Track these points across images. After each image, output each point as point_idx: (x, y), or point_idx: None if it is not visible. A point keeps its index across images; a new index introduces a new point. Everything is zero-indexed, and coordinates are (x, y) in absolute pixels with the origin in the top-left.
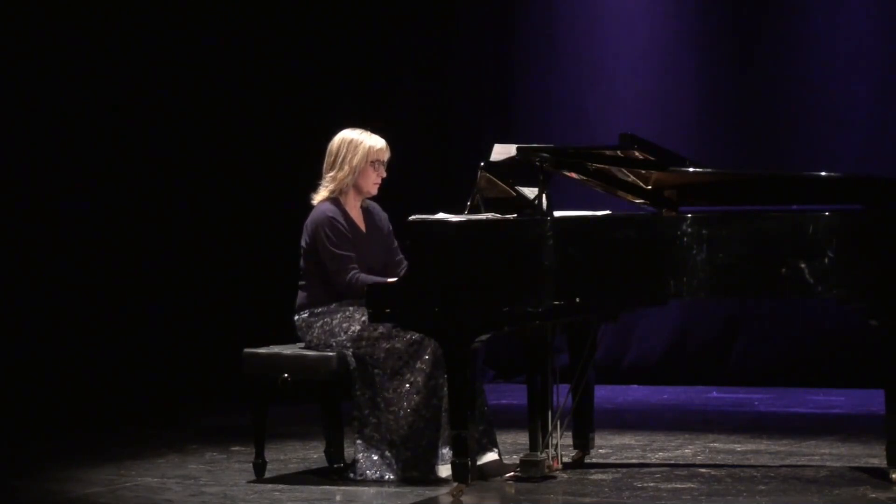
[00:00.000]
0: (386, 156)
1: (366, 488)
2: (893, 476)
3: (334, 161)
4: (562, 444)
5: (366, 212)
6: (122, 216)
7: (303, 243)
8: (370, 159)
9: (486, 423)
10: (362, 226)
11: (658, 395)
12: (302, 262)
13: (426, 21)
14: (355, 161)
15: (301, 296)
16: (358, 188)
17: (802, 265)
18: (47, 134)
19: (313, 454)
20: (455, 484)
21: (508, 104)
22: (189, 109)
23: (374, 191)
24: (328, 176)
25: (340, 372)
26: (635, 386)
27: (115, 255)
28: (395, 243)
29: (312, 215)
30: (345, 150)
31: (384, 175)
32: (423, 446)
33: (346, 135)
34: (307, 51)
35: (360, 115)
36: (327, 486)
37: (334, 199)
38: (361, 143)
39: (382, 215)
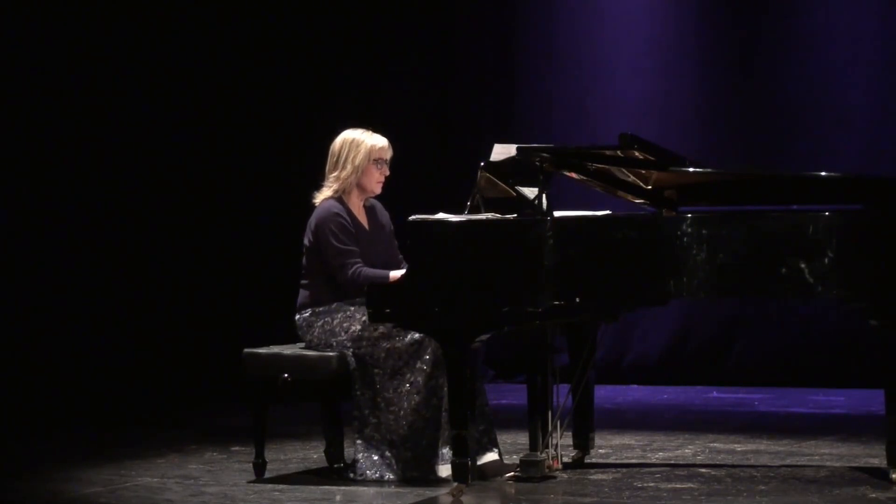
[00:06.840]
0: (388, 154)
1: (366, 488)
2: (893, 476)
3: (337, 161)
4: (562, 444)
5: (369, 210)
6: (123, 215)
7: (306, 241)
8: (372, 158)
9: (486, 422)
10: (366, 224)
11: (658, 395)
12: (304, 261)
13: (427, 21)
14: (358, 160)
15: (303, 294)
16: (361, 187)
17: (802, 265)
18: (48, 134)
19: (313, 454)
20: (455, 484)
21: (508, 104)
22: (190, 109)
23: (377, 189)
24: (332, 176)
25: (340, 372)
26: (635, 386)
27: (116, 255)
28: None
29: (317, 213)
30: (347, 150)
31: (387, 173)
32: (423, 446)
33: (348, 135)
34: (307, 50)
35: (360, 115)
36: (327, 486)
37: (338, 198)
38: (363, 142)
39: (385, 213)
